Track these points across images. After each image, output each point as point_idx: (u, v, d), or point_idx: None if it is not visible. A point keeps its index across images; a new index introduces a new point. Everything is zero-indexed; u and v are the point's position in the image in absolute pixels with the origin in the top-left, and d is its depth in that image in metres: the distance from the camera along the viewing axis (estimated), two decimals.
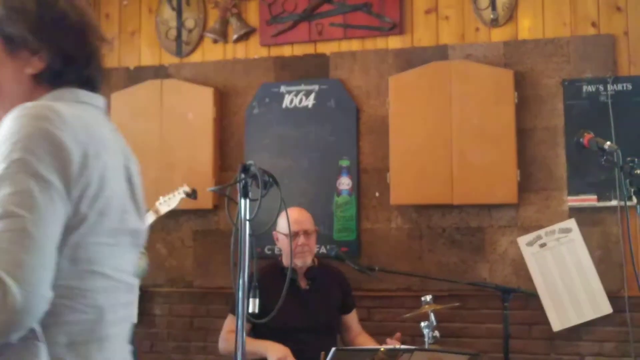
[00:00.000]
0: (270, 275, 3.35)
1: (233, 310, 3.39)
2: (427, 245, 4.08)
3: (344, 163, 4.20)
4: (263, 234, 2.37)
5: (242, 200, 2.19)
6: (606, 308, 3.76)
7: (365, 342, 3.61)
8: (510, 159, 3.88)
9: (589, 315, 3.79)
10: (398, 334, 3.34)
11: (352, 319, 3.71)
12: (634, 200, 2.26)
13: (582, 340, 3.83)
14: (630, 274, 3.73)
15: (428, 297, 3.23)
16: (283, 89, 4.32)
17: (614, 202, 3.77)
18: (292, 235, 3.37)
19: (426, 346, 3.11)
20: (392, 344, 3.17)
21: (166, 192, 4.09)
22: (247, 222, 2.18)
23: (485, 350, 3.87)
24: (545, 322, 3.84)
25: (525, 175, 3.93)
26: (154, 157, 4.39)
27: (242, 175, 2.18)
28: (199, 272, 4.42)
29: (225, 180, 4.28)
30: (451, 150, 3.95)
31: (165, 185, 4.29)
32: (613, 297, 3.76)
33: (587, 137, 2.49)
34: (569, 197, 3.87)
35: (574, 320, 3.81)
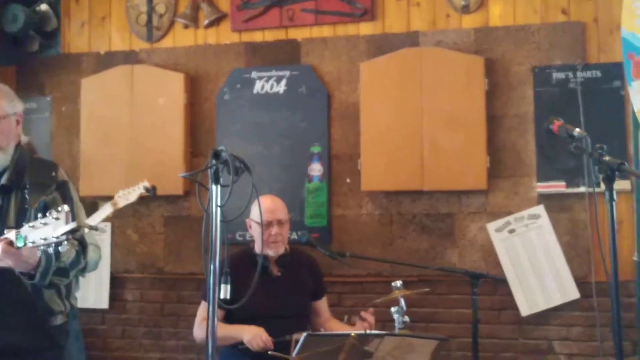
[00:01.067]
0: (242, 262, 3.34)
1: (205, 297, 3.41)
2: (397, 231, 4.11)
3: (315, 149, 4.20)
4: (234, 220, 2.36)
5: (213, 187, 2.18)
6: (574, 293, 3.83)
7: (335, 327, 3.62)
8: (480, 146, 3.91)
9: (557, 300, 3.85)
10: (371, 309, 3.36)
11: (322, 305, 3.72)
12: (602, 186, 2.29)
13: (549, 325, 3.90)
14: (597, 259, 3.80)
15: (398, 283, 3.24)
16: (254, 74, 4.30)
17: (582, 189, 3.83)
18: (266, 225, 3.36)
19: (396, 331, 3.13)
20: (366, 317, 3.19)
21: (136, 179, 4.06)
22: (219, 209, 2.17)
23: (454, 335, 3.91)
24: (514, 307, 3.89)
25: (494, 162, 3.96)
26: (125, 143, 4.35)
27: (213, 161, 2.17)
28: (170, 258, 4.40)
29: (197, 166, 4.26)
30: (422, 136, 3.97)
31: (136, 171, 4.26)
32: (580, 282, 3.82)
33: (556, 124, 2.51)
34: (538, 184, 3.92)
35: (542, 305, 3.87)
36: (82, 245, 2.55)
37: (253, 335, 3.25)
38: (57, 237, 2.04)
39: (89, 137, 4.44)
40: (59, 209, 2.06)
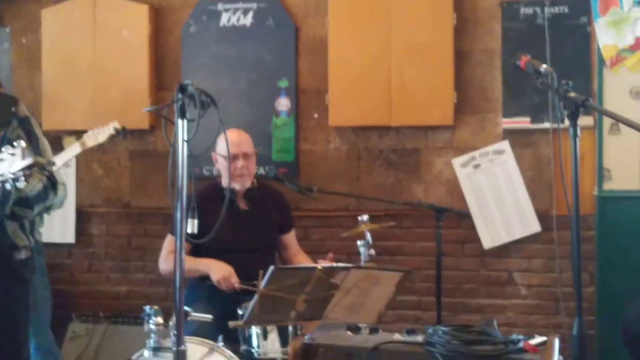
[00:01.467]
0: (209, 197, 3.34)
1: (172, 231, 3.41)
2: (364, 167, 4.13)
3: (283, 84, 4.16)
4: (201, 155, 2.35)
5: (180, 121, 2.15)
6: (535, 226, 3.92)
7: (303, 261, 3.67)
8: (447, 81, 3.91)
9: (519, 233, 3.94)
10: (330, 255, 3.39)
11: (290, 238, 3.76)
12: (567, 122, 2.31)
13: (511, 257, 4.00)
14: (559, 193, 3.88)
15: (365, 217, 3.28)
16: (220, 6, 4.20)
17: (546, 125, 3.87)
18: (231, 158, 3.35)
19: (362, 264, 3.18)
20: (326, 264, 3.23)
21: (100, 113, 4.00)
22: (185, 143, 2.16)
23: (419, 268, 4.00)
24: (477, 240, 3.98)
25: (461, 98, 3.97)
26: (88, 76, 4.26)
27: (180, 95, 2.14)
28: (137, 193, 4.38)
29: (162, 100, 4.19)
30: (390, 71, 3.95)
31: (100, 105, 4.20)
32: (542, 216, 3.91)
33: (523, 60, 2.51)
34: (504, 119, 3.95)
35: (504, 238, 3.96)
36: (52, 182, 2.52)
37: (222, 277, 3.28)
38: (14, 173, 2.01)
39: (51, 70, 4.33)
40: (15, 144, 2.02)
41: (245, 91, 4.18)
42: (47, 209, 2.62)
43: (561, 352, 2.05)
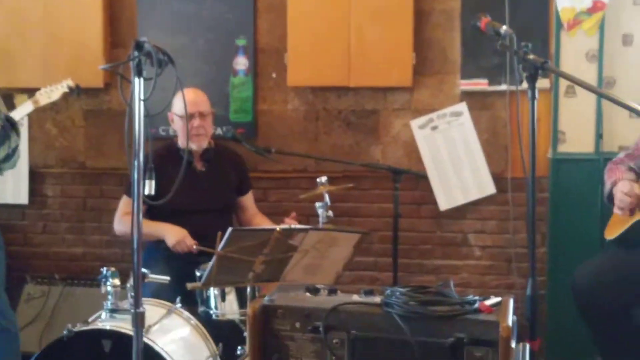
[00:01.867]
0: (165, 157, 3.30)
1: (128, 192, 3.37)
2: (323, 127, 4.12)
3: (241, 42, 4.09)
4: (158, 114, 2.30)
5: (136, 79, 2.10)
6: (490, 188, 3.97)
7: (262, 222, 3.67)
8: (406, 42, 3.89)
9: (474, 195, 4.00)
10: (293, 214, 3.41)
11: (248, 200, 3.75)
12: (525, 84, 2.33)
13: (466, 219, 4.06)
14: (514, 156, 3.93)
15: (323, 179, 3.28)
16: None
17: (503, 87, 3.90)
18: (188, 117, 3.30)
19: (320, 225, 3.19)
20: (289, 223, 3.23)
21: (53, 70, 3.88)
22: (142, 102, 2.11)
23: (376, 229, 4.03)
24: (433, 201, 4.02)
25: (420, 59, 3.97)
26: (38, 31, 4.12)
27: (136, 53, 2.08)
28: (92, 153, 4.29)
29: (117, 58, 4.09)
30: (349, 32, 3.91)
31: (53, 62, 4.08)
32: (497, 178, 3.96)
33: (484, 21, 2.51)
34: (462, 81, 3.96)
35: (460, 200, 4.01)
36: (11, 123, 2.45)
37: (178, 240, 3.27)
38: None
39: (1, 27, 4.17)
40: None
41: (203, 50, 4.10)
42: (13, 152, 2.54)
43: (514, 311, 2.09)
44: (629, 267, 3.02)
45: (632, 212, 2.98)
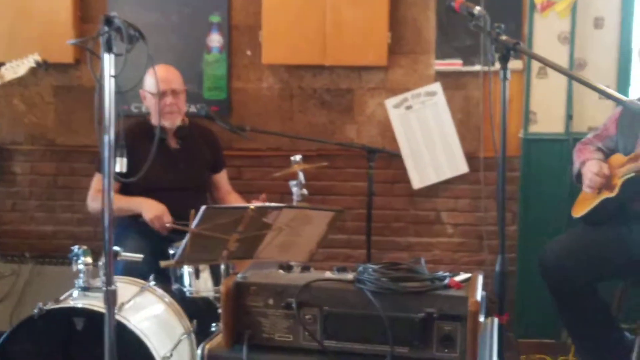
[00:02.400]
0: (138, 134, 3.27)
1: (100, 169, 3.34)
2: (297, 106, 4.11)
3: (215, 19, 4.05)
4: (129, 91, 2.28)
5: (106, 55, 2.08)
6: (463, 167, 4.01)
7: (235, 200, 3.67)
8: (382, 21, 3.89)
9: (447, 174, 4.03)
10: (263, 195, 3.40)
11: (222, 178, 3.74)
12: (497, 65, 2.35)
13: (439, 197, 4.10)
14: (486, 135, 3.97)
15: (297, 157, 3.29)
16: None
17: (477, 67, 3.92)
18: (160, 95, 3.27)
19: (294, 204, 3.20)
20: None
21: (21, 46, 3.81)
22: (112, 79, 2.09)
23: (350, 207, 4.05)
24: (407, 180, 4.05)
25: (395, 38, 3.97)
26: (5, 4, 4.04)
27: (106, 28, 2.06)
28: (62, 130, 4.24)
29: (87, 33, 4.02)
30: (325, 9, 3.90)
31: (21, 37, 4.00)
32: (470, 157, 4.00)
33: (458, 1, 2.51)
34: (436, 61, 3.98)
35: (433, 178, 4.04)
36: None
37: (155, 215, 3.25)
38: None
39: None
40: None
41: (176, 26, 4.06)
42: None
43: (484, 287, 2.13)
44: (595, 244, 3.08)
45: (599, 190, 3.04)
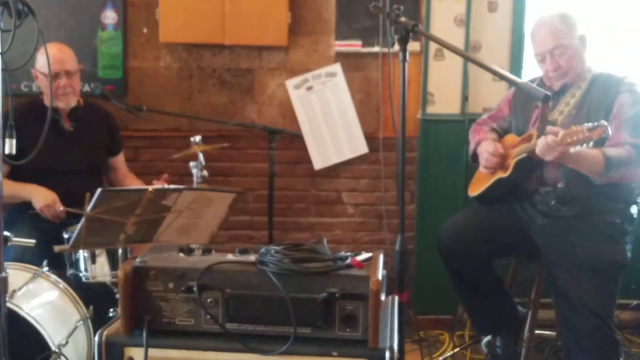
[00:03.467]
0: (30, 115, 3.11)
1: None
2: (196, 86, 4.04)
3: None
4: (18, 69, 2.17)
5: None
6: (363, 148, 4.07)
7: (133, 183, 3.59)
8: (281, 1, 3.86)
9: (348, 154, 4.08)
10: (165, 175, 3.34)
11: (119, 160, 3.65)
12: (397, 47, 2.38)
13: (339, 178, 4.14)
14: (385, 116, 4.03)
15: (197, 138, 3.23)
16: None
17: (376, 49, 3.97)
18: (53, 76, 3.13)
19: (194, 185, 3.16)
20: (160, 184, 3.17)
21: None
22: (0, 56, 1.98)
23: (251, 188, 4.04)
24: (308, 161, 4.07)
25: (296, 18, 3.96)
26: None
27: None
28: None
29: None
30: None
31: None
32: (369, 137, 4.06)
33: None
34: (336, 42, 4.00)
35: (334, 159, 4.08)
36: None
37: (46, 204, 3.12)
38: None
39: None
40: None
41: (67, 1, 3.88)
42: None
43: (384, 266, 2.17)
44: (489, 221, 3.19)
45: (494, 170, 3.15)
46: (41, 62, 3.20)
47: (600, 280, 2.83)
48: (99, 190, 2.27)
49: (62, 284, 2.81)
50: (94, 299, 2.88)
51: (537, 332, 3.39)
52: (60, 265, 2.92)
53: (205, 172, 3.18)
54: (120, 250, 2.73)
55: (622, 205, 2.95)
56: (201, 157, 3.18)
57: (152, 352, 2.03)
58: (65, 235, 2.88)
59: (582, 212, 2.93)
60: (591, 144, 2.52)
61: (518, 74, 3.99)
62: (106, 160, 3.58)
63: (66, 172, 3.29)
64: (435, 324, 4.08)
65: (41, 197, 3.14)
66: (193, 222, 2.51)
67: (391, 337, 2.08)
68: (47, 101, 3.33)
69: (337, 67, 4.01)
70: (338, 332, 2.03)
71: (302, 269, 2.02)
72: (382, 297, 2.09)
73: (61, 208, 3.10)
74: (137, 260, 2.10)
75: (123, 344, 2.06)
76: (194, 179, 3.18)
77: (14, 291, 2.54)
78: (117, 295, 2.63)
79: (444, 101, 4.03)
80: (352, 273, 2.03)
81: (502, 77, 2.36)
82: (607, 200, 2.91)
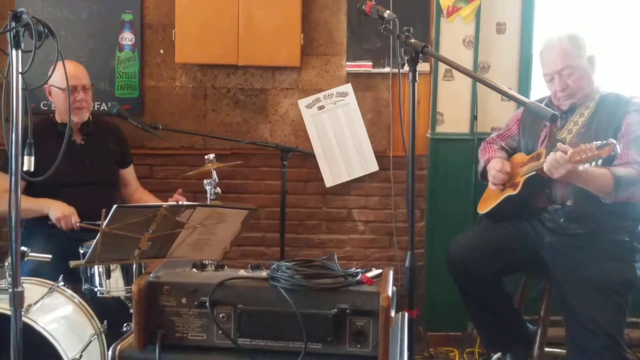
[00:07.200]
0: (41, 132, 3.18)
1: (5, 168, 3.23)
2: (211, 105, 4.10)
3: (127, 17, 3.99)
4: (38, 88, 2.23)
5: (14, 51, 2.03)
6: (373, 166, 4.11)
7: (143, 197, 3.63)
8: (294, 22, 3.93)
9: (358, 172, 4.12)
10: (179, 190, 3.41)
11: (129, 173, 3.71)
12: (406, 67, 2.42)
13: (350, 195, 4.18)
14: (396, 135, 4.07)
15: (211, 156, 3.29)
16: None
17: (387, 69, 4.03)
18: (70, 90, 3.21)
19: (208, 202, 3.20)
20: (176, 199, 3.22)
21: None
22: (20, 76, 2.04)
23: (264, 205, 4.08)
24: (320, 178, 4.11)
25: (308, 40, 4.02)
26: None
27: (13, 24, 2.01)
28: None
29: None
30: (238, 9, 3.90)
31: None
32: (380, 156, 4.10)
33: (368, 5, 2.59)
34: (347, 63, 4.05)
35: (345, 177, 4.12)
36: None
37: (63, 214, 3.18)
38: None
39: None
40: None
41: (86, 23, 3.96)
42: None
43: (394, 282, 2.19)
44: (498, 239, 3.21)
45: (503, 187, 3.17)
46: (57, 77, 3.27)
47: (610, 299, 2.84)
48: (114, 206, 2.31)
49: (77, 298, 2.85)
50: (108, 313, 2.91)
51: (546, 349, 3.38)
52: (76, 280, 2.96)
53: (218, 189, 3.23)
54: (134, 266, 2.78)
55: (631, 224, 2.97)
56: (215, 174, 3.23)
57: None
58: (81, 251, 2.93)
59: (591, 230, 2.95)
60: (600, 161, 2.54)
61: (526, 94, 4.02)
62: (117, 173, 3.64)
63: (79, 185, 3.35)
64: (445, 341, 4.09)
65: (58, 208, 3.20)
66: (206, 239, 2.55)
67: (401, 353, 2.09)
68: (59, 117, 3.41)
69: (348, 87, 4.07)
70: (348, 348, 2.04)
71: (313, 285, 2.04)
72: (392, 314, 2.11)
73: (78, 222, 3.15)
74: (151, 275, 2.13)
75: (136, 358, 2.07)
76: (208, 195, 3.23)
77: (30, 305, 2.57)
78: (131, 310, 2.67)
79: (453, 120, 4.07)
80: (362, 289, 2.05)
81: (511, 97, 2.40)
82: (616, 218, 2.93)
